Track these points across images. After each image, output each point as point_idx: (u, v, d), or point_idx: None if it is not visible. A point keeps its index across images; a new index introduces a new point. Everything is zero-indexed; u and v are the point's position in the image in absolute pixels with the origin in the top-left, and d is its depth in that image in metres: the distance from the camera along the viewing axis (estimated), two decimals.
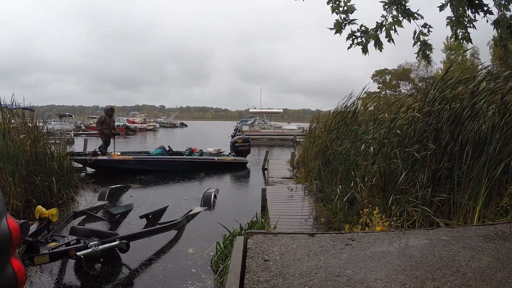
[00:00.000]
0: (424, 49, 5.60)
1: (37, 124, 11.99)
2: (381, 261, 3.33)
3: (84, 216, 9.13)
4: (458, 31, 5.53)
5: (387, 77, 60.53)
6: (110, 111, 18.03)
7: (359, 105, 12.25)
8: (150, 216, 9.15)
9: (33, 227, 6.19)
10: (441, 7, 5.36)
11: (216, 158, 18.95)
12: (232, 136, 35.42)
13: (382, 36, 5.60)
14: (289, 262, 3.35)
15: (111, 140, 17.95)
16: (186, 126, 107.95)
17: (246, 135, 31.61)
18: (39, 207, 6.56)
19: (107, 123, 17.60)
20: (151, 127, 74.10)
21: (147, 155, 18.62)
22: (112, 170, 16.51)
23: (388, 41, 5.56)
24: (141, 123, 72.79)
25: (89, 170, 17.02)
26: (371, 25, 5.66)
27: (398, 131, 7.45)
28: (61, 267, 6.44)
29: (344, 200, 7.78)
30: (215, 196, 11.50)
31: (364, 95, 12.92)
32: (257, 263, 3.31)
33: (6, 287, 2.43)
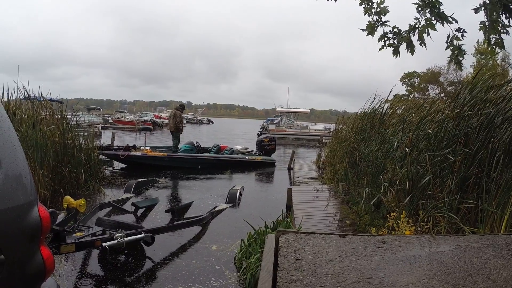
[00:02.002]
0: (457, 54, 5.49)
1: (66, 116, 12.14)
2: (412, 265, 3.28)
3: (110, 208, 9.23)
4: (491, 36, 5.41)
5: (416, 80, 59.70)
6: (182, 108, 18.51)
7: (386, 107, 12.11)
8: (175, 211, 9.19)
9: (60, 217, 6.27)
10: (476, 10, 5.24)
11: (247, 157, 19.00)
12: (259, 135, 35.46)
13: (414, 38, 5.51)
14: (321, 262, 3.33)
15: (145, 135, 18.12)
16: (212, 123, 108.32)
17: (272, 134, 31.59)
18: (67, 197, 6.63)
19: (181, 120, 17.90)
20: None
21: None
22: (144, 166, 16.36)
23: (420, 44, 5.47)
24: (168, 119, 73.28)
25: (117, 165, 16.91)
26: (403, 27, 5.58)
27: (430, 131, 7.31)
28: (85, 257, 6.51)
29: (371, 203, 7.70)
30: (240, 194, 11.51)
31: (392, 97, 12.74)
32: (289, 261, 3.29)
33: (34, 274, 2.45)
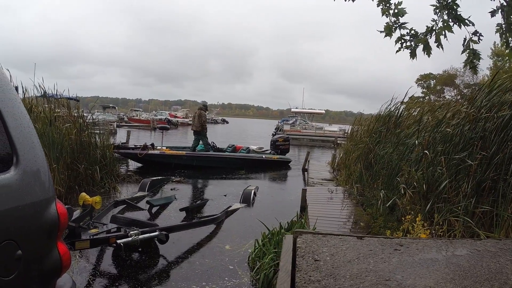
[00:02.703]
0: (473, 58, 5.45)
1: (83, 114, 12.23)
2: (429, 268, 3.26)
3: (125, 205, 9.27)
4: (509, 39, 5.36)
5: (432, 82, 59.19)
6: (206, 108, 18.69)
7: (402, 109, 12.01)
8: (190, 210, 9.22)
9: (76, 213, 6.32)
10: (492, 13, 5.19)
11: (263, 156, 19.01)
12: (273, 135, 35.44)
13: (431, 41, 5.47)
14: (339, 263, 3.32)
15: (162, 134, 18.13)
16: (227, 122, 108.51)
17: (287, 134, 31.55)
18: (83, 194, 6.67)
19: (206, 119, 18.01)
20: None
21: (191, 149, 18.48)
22: (162, 165, 16.21)
23: (437, 46, 5.43)
24: (183, 118, 73.51)
25: (132, 164, 16.84)
26: (421, 29, 5.54)
27: (449, 129, 7.23)
28: (99, 254, 6.56)
29: (387, 205, 7.65)
30: (254, 194, 11.49)
31: (407, 99, 12.64)
32: (307, 262, 3.30)
33: (51, 270, 2.47)
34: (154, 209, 9.50)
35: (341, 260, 3.40)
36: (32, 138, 2.45)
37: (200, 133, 17.92)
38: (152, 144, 16.79)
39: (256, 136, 47.41)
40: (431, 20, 5.41)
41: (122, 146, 16.48)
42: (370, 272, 3.16)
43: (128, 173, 14.73)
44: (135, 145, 17.27)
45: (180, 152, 17.24)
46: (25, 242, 2.21)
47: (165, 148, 17.32)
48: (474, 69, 5.58)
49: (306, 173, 17.26)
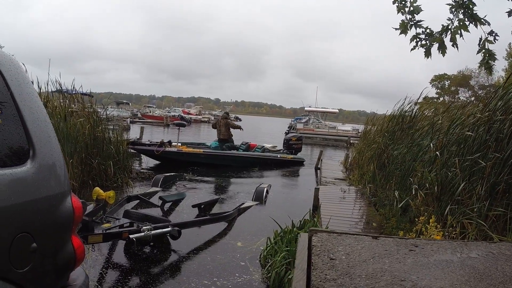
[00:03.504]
0: (488, 59, 5.40)
1: (97, 110, 12.30)
2: (445, 269, 3.24)
3: (137, 201, 9.30)
4: None
5: (446, 83, 58.73)
6: (228, 115, 19.12)
7: (416, 110, 11.91)
8: (202, 206, 9.23)
9: (89, 207, 6.35)
10: (510, 13, 5.14)
11: (279, 155, 19.03)
12: (286, 133, 35.43)
13: (446, 40, 5.43)
14: (355, 262, 3.32)
15: (178, 131, 18.13)
16: (240, 120, 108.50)
17: (300, 133, 31.53)
18: (97, 188, 6.71)
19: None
20: (206, 119, 75.02)
21: (205, 146, 18.46)
22: (179, 162, 16.09)
23: (453, 45, 5.39)
24: (196, 115, 73.73)
25: (146, 160, 16.75)
26: (436, 28, 5.50)
27: (469, 133, 7.16)
28: (111, 248, 6.60)
29: (399, 206, 7.61)
30: (267, 192, 11.46)
31: (421, 100, 12.54)
32: (323, 261, 3.29)
33: (65, 263, 2.48)
34: (166, 205, 9.53)
35: (356, 259, 3.40)
36: (48, 132, 2.46)
37: (228, 141, 18.04)
38: (169, 141, 16.69)
39: (268, 134, 47.38)
40: (447, 19, 5.37)
41: (138, 142, 16.46)
42: (386, 272, 3.15)
43: (142, 169, 14.80)
44: (150, 141, 17.17)
45: (198, 150, 17.16)
46: (40, 235, 2.23)
47: (180, 144, 17.22)
48: (489, 69, 5.54)
49: (318, 172, 17.22)
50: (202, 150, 17.24)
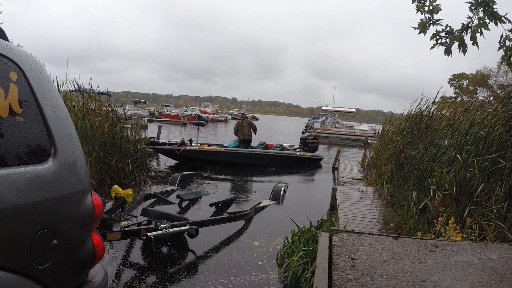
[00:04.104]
0: (510, 55, 5.35)
1: (115, 108, 12.38)
2: (465, 271, 3.23)
3: (155, 199, 9.35)
4: None
5: (464, 82, 57.94)
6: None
7: (433, 109, 11.77)
8: (219, 205, 9.27)
9: (108, 205, 6.41)
10: None
11: (298, 153, 19.05)
12: (303, 133, 35.39)
13: (467, 38, 5.39)
14: (376, 263, 3.32)
15: (197, 130, 18.15)
16: (257, 119, 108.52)
17: (317, 132, 31.47)
18: (116, 186, 6.75)
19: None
20: (223, 118, 75.15)
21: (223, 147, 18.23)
22: (200, 161, 16.03)
23: (473, 44, 5.34)
24: (213, 114, 73.84)
25: (164, 159, 16.47)
26: (456, 26, 5.46)
27: (482, 132, 7.09)
28: (129, 246, 6.65)
29: (419, 207, 7.55)
30: (284, 191, 11.44)
31: (439, 99, 12.40)
32: (344, 260, 3.30)
33: (85, 260, 2.51)
34: (184, 204, 9.58)
35: (377, 260, 3.39)
36: (69, 130, 2.49)
37: (249, 142, 18.09)
38: (190, 140, 16.62)
39: (285, 134, 47.28)
40: (467, 17, 5.33)
41: (157, 142, 16.45)
42: (407, 272, 3.15)
43: (158, 168, 14.85)
44: (169, 141, 17.06)
45: (219, 148, 17.13)
46: (60, 232, 2.25)
47: (199, 145, 17.11)
48: (511, 66, 5.50)
49: (336, 172, 17.15)
50: (223, 148, 17.20)
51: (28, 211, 2.04)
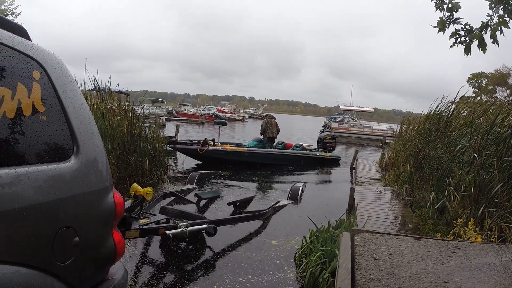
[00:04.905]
0: None
1: (134, 107, 12.46)
2: (487, 272, 3.20)
3: (173, 197, 9.40)
4: None
5: (483, 81, 57.25)
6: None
7: (453, 109, 11.64)
8: (237, 204, 9.28)
9: (127, 203, 6.45)
10: None
11: (317, 154, 19.06)
12: (321, 132, 35.31)
13: (486, 36, 5.32)
14: (398, 263, 3.31)
15: (218, 129, 18.17)
16: (275, 119, 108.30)
17: (335, 132, 31.37)
18: (135, 185, 6.79)
19: None
20: (241, 118, 75.19)
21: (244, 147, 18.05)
22: (222, 161, 15.84)
23: (493, 42, 5.28)
24: (230, 113, 73.91)
25: (181, 157, 16.19)
26: (476, 24, 5.40)
27: (501, 130, 7.00)
28: (147, 243, 6.70)
29: (435, 208, 7.49)
30: (302, 191, 11.41)
31: (458, 99, 12.26)
32: (367, 260, 3.30)
33: (106, 257, 2.53)
34: (202, 202, 9.61)
35: (399, 260, 3.39)
36: (91, 128, 2.52)
37: (274, 141, 18.29)
38: (213, 140, 16.32)
39: (302, 133, 47.15)
40: (486, 15, 5.26)
41: (179, 141, 16.39)
42: (429, 273, 3.14)
43: (176, 167, 14.90)
44: (190, 141, 16.90)
45: (242, 148, 16.99)
46: (82, 230, 2.27)
47: (220, 144, 16.83)
48: None
49: (354, 171, 17.10)
50: (246, 148, 17.09)
51: (50, 208, 2.07)
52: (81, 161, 2.33)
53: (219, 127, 18.43)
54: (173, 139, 15.93)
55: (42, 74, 2.25)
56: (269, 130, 18.16)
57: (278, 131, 18.47)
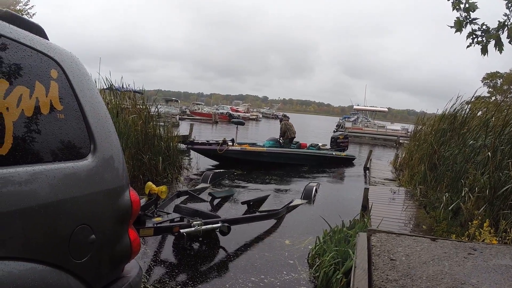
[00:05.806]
0: None
1: (148, 106, 12.51)
2: (504, 274, 3.18)
3: (187, 196, 9.44)
4: None
5: (498, 81, 56.57)
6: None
7: (467, 109, 11.53)
8: (251, 203, 9.29)
9: (141, 202, 6.48)
10: None
11: (333, 153, 19.13)
12: (335, 132, 35.26)
13: (503, 36, 5.27)
14: (415, 264, 3.31)
15: (236, 129, 18.17)
16: (288, 118, 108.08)
17: (348, 132, 31.29)
18: (150, 183, 6.82)
19: None
20: (254, 117, 75.21)
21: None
22: (240, 162, 15.64)
23: (510, 42, 5.23)
24: (244, 112, 73.93)
25: (195, 155, 15.95)
26: (493, 24, 5.35)
27: None
28: (161, 242, 6.74)
29: (449, 209, 7.44)
30: (316, 190, 11.40)
31: (473, 99, 12.13)
32: (383, 261, 3.30)
33: (121, 255, 2.55)
34: (215, 201, 9.64)
35: (416, 261, 3.38)
36: (108, 127, 2.53)
37: (293, 141, 18.30)
38: (232, 140, 16.20)
39: (317, 133, 47.01)
40: (503, 15, 5.22)
41: (197, 142, 16.36)
42: (446, 274, 3.13)
43: (190, 166, 14.91)
44: (207, 141, 16.79)
45: (261, 148, 16.86)
46: (99, 227, 2.29)
47: (237, 144, 16.64)
48: None
49: (367, 172, 17.04)
50: (265, 148, 16.98)
51: (67, 206, 2.09)
52: (98, 159, 2.35)
53: (237, 127, 18.30)
54: (191, 139, 15.87)
55: (59, 73, 2.27)
56: (290, 131, 18.23)
57: (295, 132, 18.52)
